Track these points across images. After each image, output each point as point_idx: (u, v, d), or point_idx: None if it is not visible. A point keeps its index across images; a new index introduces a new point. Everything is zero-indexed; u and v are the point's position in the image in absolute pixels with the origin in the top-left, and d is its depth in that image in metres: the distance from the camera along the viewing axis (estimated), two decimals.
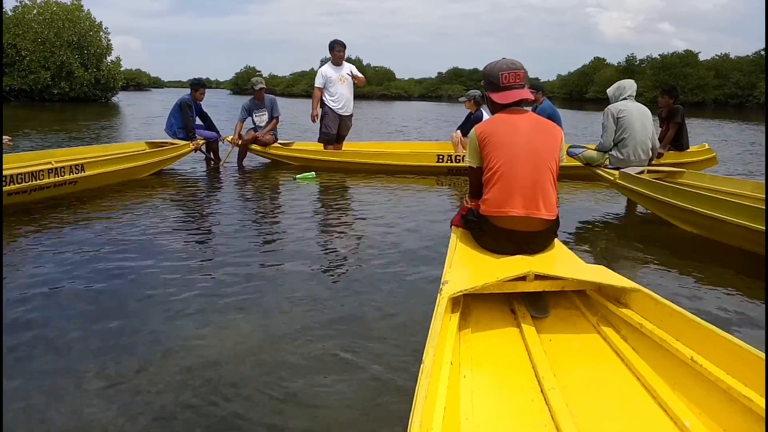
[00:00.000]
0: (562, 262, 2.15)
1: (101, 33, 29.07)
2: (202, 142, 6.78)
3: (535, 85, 6.98)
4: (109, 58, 29.68)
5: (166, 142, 6.53)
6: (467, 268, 2.06)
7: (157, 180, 5.94)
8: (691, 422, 1.28)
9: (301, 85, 63.11)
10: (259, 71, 71.99)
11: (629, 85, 4.86)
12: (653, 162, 4.87)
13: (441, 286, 1.75)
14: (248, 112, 7.05)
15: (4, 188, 4.17)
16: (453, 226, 2.57)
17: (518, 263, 1.90)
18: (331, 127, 6.86)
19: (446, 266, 2.05)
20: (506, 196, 2.16)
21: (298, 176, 6.14)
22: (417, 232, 3.97)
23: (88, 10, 28.61)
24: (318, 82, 6.82)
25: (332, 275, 3.07)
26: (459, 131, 6.94)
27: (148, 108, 23.95)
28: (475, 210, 2.30)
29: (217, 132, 7.19)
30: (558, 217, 2.22)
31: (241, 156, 7.07)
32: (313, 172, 6.26)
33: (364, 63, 59.80)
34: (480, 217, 2.25)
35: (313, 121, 6.97)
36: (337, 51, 6.78)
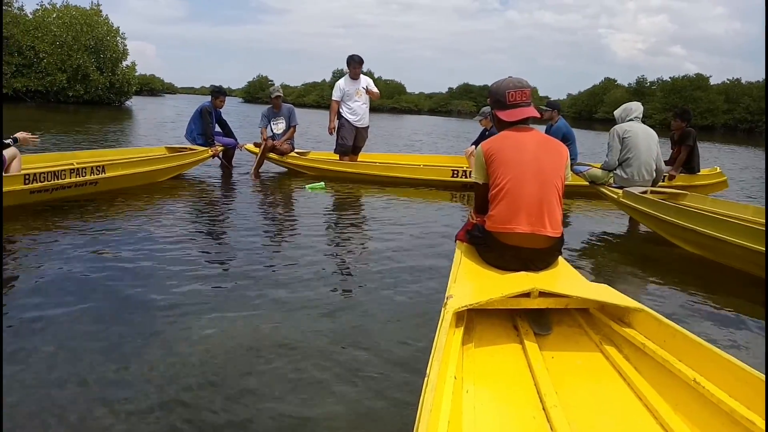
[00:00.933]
0: (566, 279, 2.16)
1: (118, 38, 29.61)
2: (220, 148, 6.91)
3: (551, 104, 7.10)
4: (124, 63, 30.20)
5: (186, 148, 6.67)
6: (471, 283, 2.06)
7: (175, 184, 6.04)
8: None
9: (312, 96, 63.57)
10: (272, 80, 72.64)
11: (636, 107, 4.93)
12: (657, 183, 4.93)
13: (445, 300, 1.76)
14: (267, 119, 7.19)
15: (26, 186, 4.30)
16: (458, 241, 2.58)
17: (522, 280, 1.90)
18: (348, 138, 6.99)
19: (450, 280, 2.06)
20: (512, 212, 2.17)
21: (308, 186, 6.22)
22: (427, 246, 3.99)
23: (107, 15, 29.25)
24: (335, 96, 6.97)
25: (337, 286, 3.09)
26: (474, 146, 7.03)
27: (160, 113, 24.19)
28: (480, 226, 2.31)
29: (235, 139, 7.33)
30: (563, 235, 2.23)
31: (259, 163, 7.13)
32: (323, 182, 6.32)
33: (376, 76, 60.12)
34: (485, 233, 2.26)
35: (331, 133, 7.12)
36: (353, 67, 6.93)
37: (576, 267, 3.58)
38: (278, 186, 6.49)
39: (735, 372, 1.33)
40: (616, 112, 5.02)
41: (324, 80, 65.73)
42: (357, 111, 6.97)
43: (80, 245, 3.55)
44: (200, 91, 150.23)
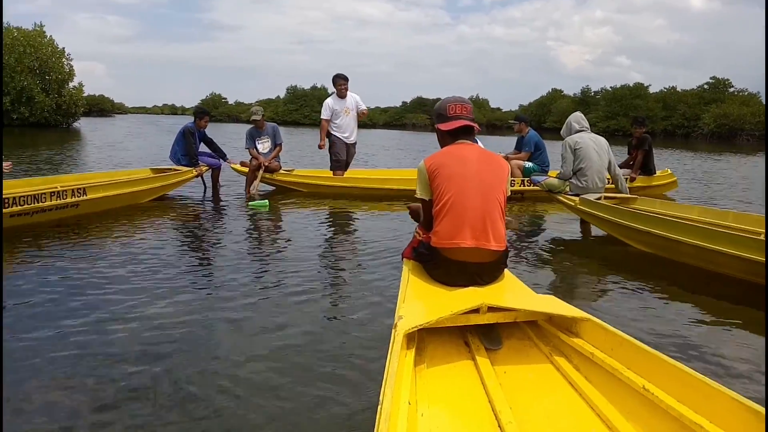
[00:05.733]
0: (513, 293, 2.16)
1: (63, 59, 28.86)
2: (205, 168, 6.96)
3: (519, 117, 7.63)
4: (71, 84, 29.42)
5: (170, 169, 6.74)
6: (421, 302, 2.02)
7: (159, 205, 6.07)
8: None
9: (267, 113, 62.95)
10: (225, 98, 72.10)
11: (576, 120, 5.15)
12: (624, 188, 5.24)
13: (395, 321, 1.72)
14: (252, 139, 7.25)
15: (5, 210, 4.27)
16: (404, 259, 2.53)
17: (471, 296, 1.89)
18: (341, 153, 7.18)
19: (399, 300, 2.02)
20: (457, 227, 2.16)
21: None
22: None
23: (51, 36, 28.47)
24: (324, 114, 7.14)
25: (309, 304, 3.01)
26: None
27: (110, 134, 23.63)
28: (426, 243, 2.30)
29: (224, 155, 7.35)
30: (507, 248, 2.24)
31: (249, 181, 7.09)
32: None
33: (330, 91, 60.51)
34: (431, 250, 2.24)
35: (320, 148, 7.30)
36: (339, 85, 7.10)
37: (533, 272, 3.71)
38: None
39: (681, 377, 1.36)
40: (563, 132, 5.24)
41: (278, 96, 65.49)
42: (345, 128, 7.14)
43: (59, 268, 3.52)
44: (152, 110, 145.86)
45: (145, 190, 6.00)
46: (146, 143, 17.67)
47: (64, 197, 4.88)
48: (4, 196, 4.31)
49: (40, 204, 4.65)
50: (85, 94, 31.30)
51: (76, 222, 4.89)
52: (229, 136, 20.74)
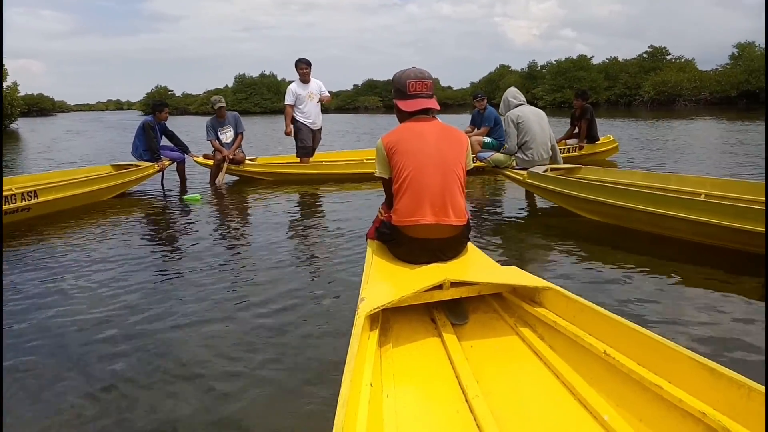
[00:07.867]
0: (476, 266, 2.15)
1: None
2: (168, 163, 6.80)
3: (483, 94, 7.81)
4: (4, 84, 27.91)
5: (131, 165, 6.57)
6: (384, 282, 2.00)
7: (120, 202, 5.93)
8: (609, 415, 1.31)
9: None
10: (171, 90, 69.45)
11: (512, 95, 5.24)
12: (559, 160, 5.33)
13: (358, 303, 1.71)
14: (214, 130, 7.11)
15: None
16: (368, 239, 2.51)
17: (433, 272, 1.89)
18: (306, 140, 7.14)
19: (363, 282, 1.99)
20: (416, 204, 2.14)
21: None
22: None
23: None
24: (288, 100, 7.01)
25: (279, 295, 2.97)
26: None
27: (52, 134, 22.69)
28: (388, 222, 2.27)
29: (186, 148, 7.15)
30: (468, 222, 2.23)
31: (214, 175, 6.97)
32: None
33: (280, 78, 59.49)
34: (392, 228, 2.22)
35: (287, 135, 7.19)
36: (300, 69, 6.99)
37: (492, 248, 3.71)
38: (229, 196, 6.38)
39: (641, 340, 1.37)
40: (501, 109, 5.33)
41: (227, 86, 63.63)
42: (309, 114, 7.07)
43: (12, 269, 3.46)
44: (96, 107, 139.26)
45: (103, 189, 5.84)
46: (90, 142, 17.01)
47: (14, 201, 4.68)
48: None
49: None
50: (21, 94, 29.81)
51: (28, 225, 4.70)
52: (180, 129, 20.16)
